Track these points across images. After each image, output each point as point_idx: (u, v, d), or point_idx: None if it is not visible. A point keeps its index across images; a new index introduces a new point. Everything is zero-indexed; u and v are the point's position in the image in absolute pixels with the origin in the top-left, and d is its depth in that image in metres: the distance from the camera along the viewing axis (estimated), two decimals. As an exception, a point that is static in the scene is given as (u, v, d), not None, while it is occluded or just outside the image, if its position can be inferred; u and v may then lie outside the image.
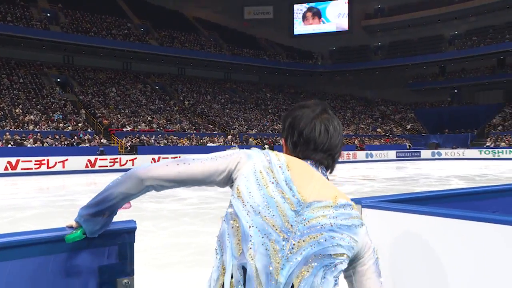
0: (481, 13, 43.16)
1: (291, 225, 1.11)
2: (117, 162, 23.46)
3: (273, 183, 1.16)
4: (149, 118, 30.92)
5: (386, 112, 44.82)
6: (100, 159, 23.12)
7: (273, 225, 1.10)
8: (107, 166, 23.04)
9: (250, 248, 1.09)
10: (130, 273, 1.33)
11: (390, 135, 38.89)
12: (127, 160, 23.71)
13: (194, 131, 30.82)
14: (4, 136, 23.22)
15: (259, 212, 1.12)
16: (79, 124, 27.56)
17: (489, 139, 37.13)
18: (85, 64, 36.40)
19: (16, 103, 27.98)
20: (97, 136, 26.35)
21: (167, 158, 24.78)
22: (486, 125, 39.96)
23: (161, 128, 29.72)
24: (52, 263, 1.23)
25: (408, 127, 41.73)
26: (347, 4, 46.67)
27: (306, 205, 1.15)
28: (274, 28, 47.14)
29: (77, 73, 35.01)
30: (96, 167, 22.75)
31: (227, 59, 41.82)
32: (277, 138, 33.43)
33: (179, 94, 37.72)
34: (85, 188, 14.88)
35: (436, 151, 35.94)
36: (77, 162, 22.46)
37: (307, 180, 1.21)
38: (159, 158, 24.43)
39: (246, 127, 34.57)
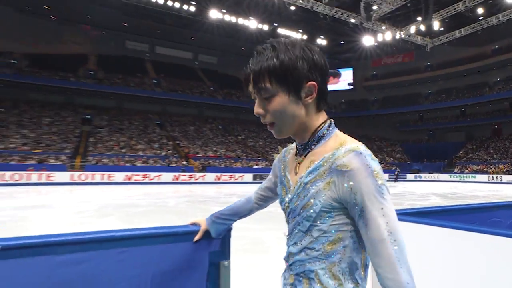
0: (447, 78, 41.94)
1: None
2: (193, 177, 23.71)
3: None
4: (214, 148, 31.40)
5: (380, 145, 43.53)
6: (182, 175, 23.50)
7: None
8: (186, 179, 23.29)
9: None
10: (228, 257, 1.29)
11: (383, 163, 37.59)
12: (199, 176, 23.94)
13: (245, 157, 30.97)
14: (110, 160, 24.21)
15: None
16: (169, 151, 28.36)
17: (456, 167, 35.33)
18: (175, 112, 37.65)
19: (131, 137, 29.23)
20: (180, 159, 26.97)
21: (227, 176, 24.87)
22: (454, 156, 38.10)
23: (222, 155, 30.07)
24: (177, 249, 1.19)
25: (397, 156, 40.28)
26: (352, 71, 46.44)
27: None
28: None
29: (169, 118, 36.28)
30: (180, 180, 23.04)
31: (268, 108, 42.29)
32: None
33: (237, 132, 38.25)
34: (173, 194, 14.90)
35: (418, 174, 34.41)
36: (168, 176, 22.89)
37: None
38: (221, 175, 24.54)
39: (281, 155, 34.34)
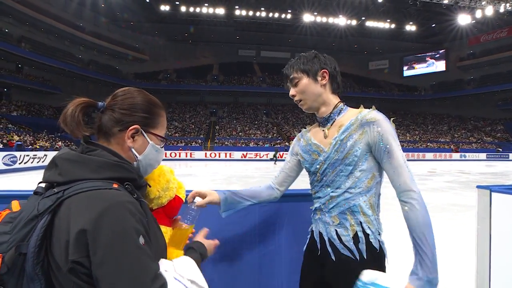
0: None
1: None
2: None
3: None
4: (310, 131, 30.81)
5: (477, 125, 35.63)
6: (285, 153, 23.41)
7: None
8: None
9: None
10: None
11: (481, 141, 30.71)
12: None
13: (337, 138, 29.41)
14: (230, 142, 25.88)
15: None
16: (274, 134, 29.13)
17: None
18: (277, 102, 38.13)
19: (245, 124, 31.05)
20: (283, 141, 27.42)
21: None
22: None
23: (317, 137, 29.25)
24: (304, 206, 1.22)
25: (497, 136, 32.34)
26: (444, 52, 38.73)
27: None
28: (389, 73, 42.09)
29: (274, 108, 37.14)
30: (283, 158, 23.05)
31: (358, 95, 38.99)
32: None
33: (328, 117, 36.58)
34: (277, 169, 15.26)
35: (524, 154, 26.96)
36: (272, 154, 23.41)
37: None
38: None
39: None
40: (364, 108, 0.97)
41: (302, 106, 1.02)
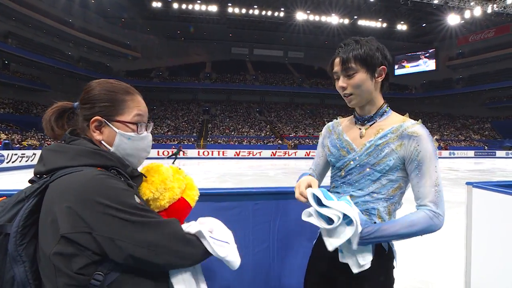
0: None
1: None
2: (286, 153, 23.51)
3: None
4: (304, 129, 30.99)
5: (465, 123, 36.34)
6: (278, 152, 23.56)
7: None
8: (281, 155, 23.22)
9: None
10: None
11: (469, 139, 31.35)
12: (292, 152, 23.57)
13: (329, 136, 29.56)
14: (223, 140, 25.76)
15: None
16: (267, 133, 29.13)
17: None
18: (270, 101, 38.20)
19: (238, 122, 30.98)
20: (276, 139, 27.46)
21: (315, 152, 24.17)
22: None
23: (310, 135, 29.48)
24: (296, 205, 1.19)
25: (485, 134, 33.07)
26: (434, 51, 39.30)
27: None
28: (380, 72, 42.37)
29: (266, 106, 37.11)
30: (276, 156, 23.12)
31: (350, 93, 39.25)
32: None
33: (322, 115, 36.89)
34: (271, 167, 15.00)
35: (510, 151, 27.67)
36: (267, 152, 23.19)
37: None
38: (310, 152, 23.92)
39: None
40: (409, 117, 0.91)
41: (350, 101, 0.91)
